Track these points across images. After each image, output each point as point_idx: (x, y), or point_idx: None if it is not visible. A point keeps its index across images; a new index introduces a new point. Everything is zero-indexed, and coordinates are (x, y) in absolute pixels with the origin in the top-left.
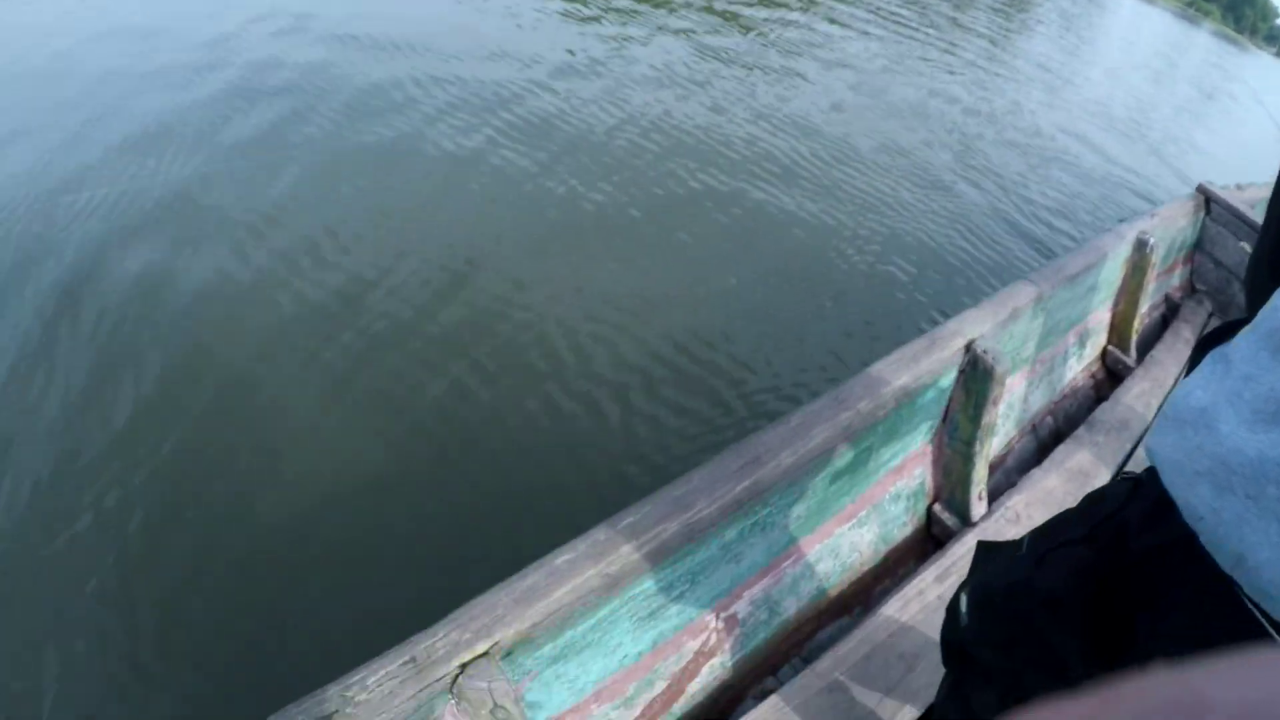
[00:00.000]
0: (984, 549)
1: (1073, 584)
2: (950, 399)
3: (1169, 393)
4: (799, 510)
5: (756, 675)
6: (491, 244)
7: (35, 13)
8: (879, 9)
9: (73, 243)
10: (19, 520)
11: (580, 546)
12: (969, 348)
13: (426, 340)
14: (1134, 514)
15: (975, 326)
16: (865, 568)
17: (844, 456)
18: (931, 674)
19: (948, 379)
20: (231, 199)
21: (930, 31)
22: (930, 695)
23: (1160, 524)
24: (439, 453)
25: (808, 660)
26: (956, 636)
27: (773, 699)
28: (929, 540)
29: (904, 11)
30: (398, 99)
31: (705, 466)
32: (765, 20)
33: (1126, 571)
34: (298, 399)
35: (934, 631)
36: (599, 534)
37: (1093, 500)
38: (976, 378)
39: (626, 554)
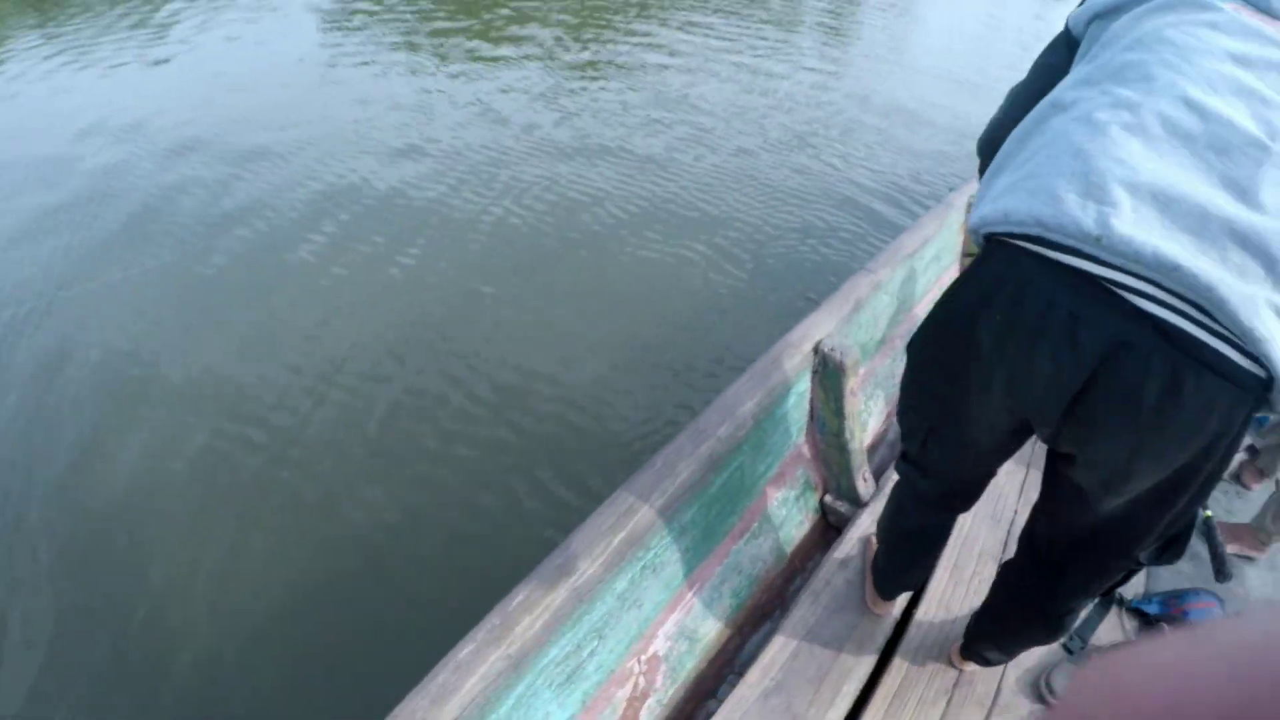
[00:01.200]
0: None
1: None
2: (811, 398)
3: None
4: (685, 542)
5: (697, 701)
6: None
7: None
8: (703, 28)
9: None
10: None
11: (479, 635)
12: (817, 349)
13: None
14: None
15: (820, 328)
16: (773, 574)
17: (715, 483)
18: (856, 653)
19: (803, 383)
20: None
21: (756, 28)
22: (861, 675)
23: (999, 248)
24: (331, 574)
25: (740, 674)
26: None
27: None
28: (829, 530)
29: (725, 26)
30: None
31: (581, 528)
32: (579, 71)
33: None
34: (189, 526)
35: (849, 615)
36: (494, 619)
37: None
38: (829, 375)
39: (524, 630)
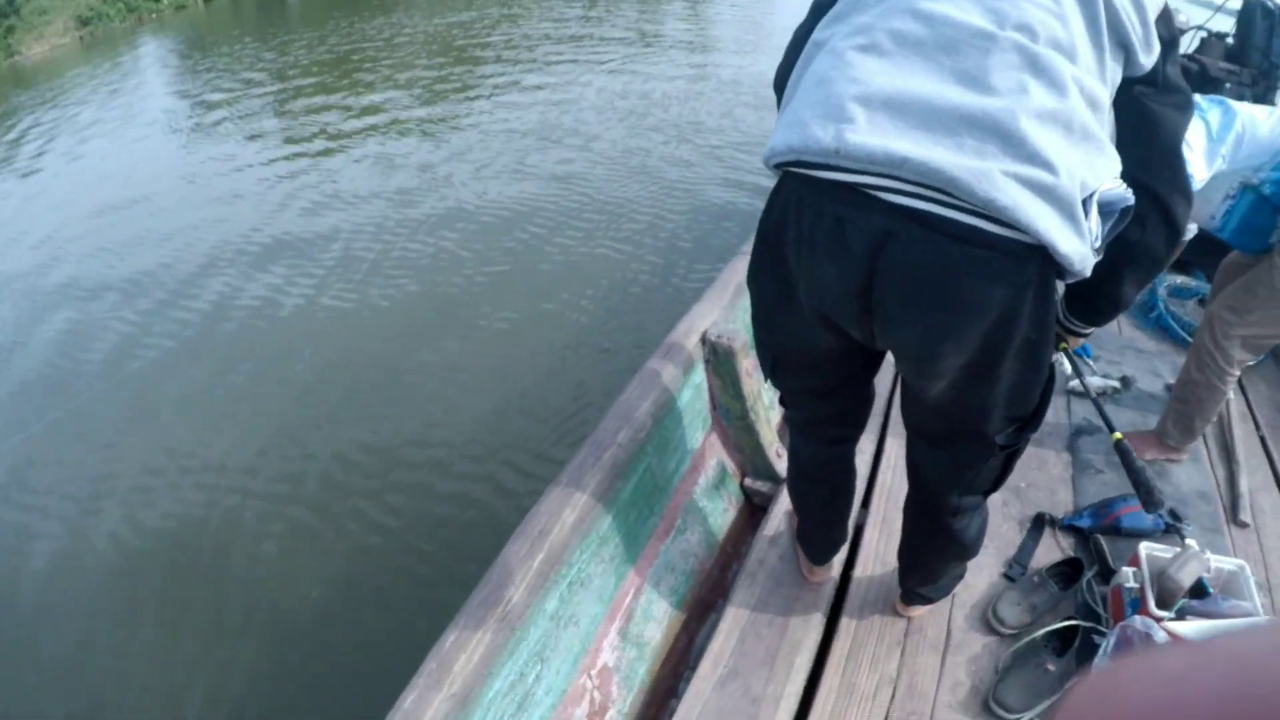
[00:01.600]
0: None
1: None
2: (709, 388)
3: None
4: (609, 551)
5: (659, 703)
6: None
7: None
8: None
9: None
10: None
11: (419, 681)
12: (704, 339)
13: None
14: (778, 188)
15: (704, 318)
16: (707, 565)
17: (625, 489)
18: (803, 625)
19: (698, 374)
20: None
21: (617, 45)
22: (811, 645)
23: (783, 176)
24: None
25: (694, 668)
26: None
27: (677, 717)
28: (755, 512)
29: (589, 47)
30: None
31: (499, 558)
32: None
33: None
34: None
35: (788, 590)
36: (431, 663)
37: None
38: (721, 362)
39: (463, 668)
